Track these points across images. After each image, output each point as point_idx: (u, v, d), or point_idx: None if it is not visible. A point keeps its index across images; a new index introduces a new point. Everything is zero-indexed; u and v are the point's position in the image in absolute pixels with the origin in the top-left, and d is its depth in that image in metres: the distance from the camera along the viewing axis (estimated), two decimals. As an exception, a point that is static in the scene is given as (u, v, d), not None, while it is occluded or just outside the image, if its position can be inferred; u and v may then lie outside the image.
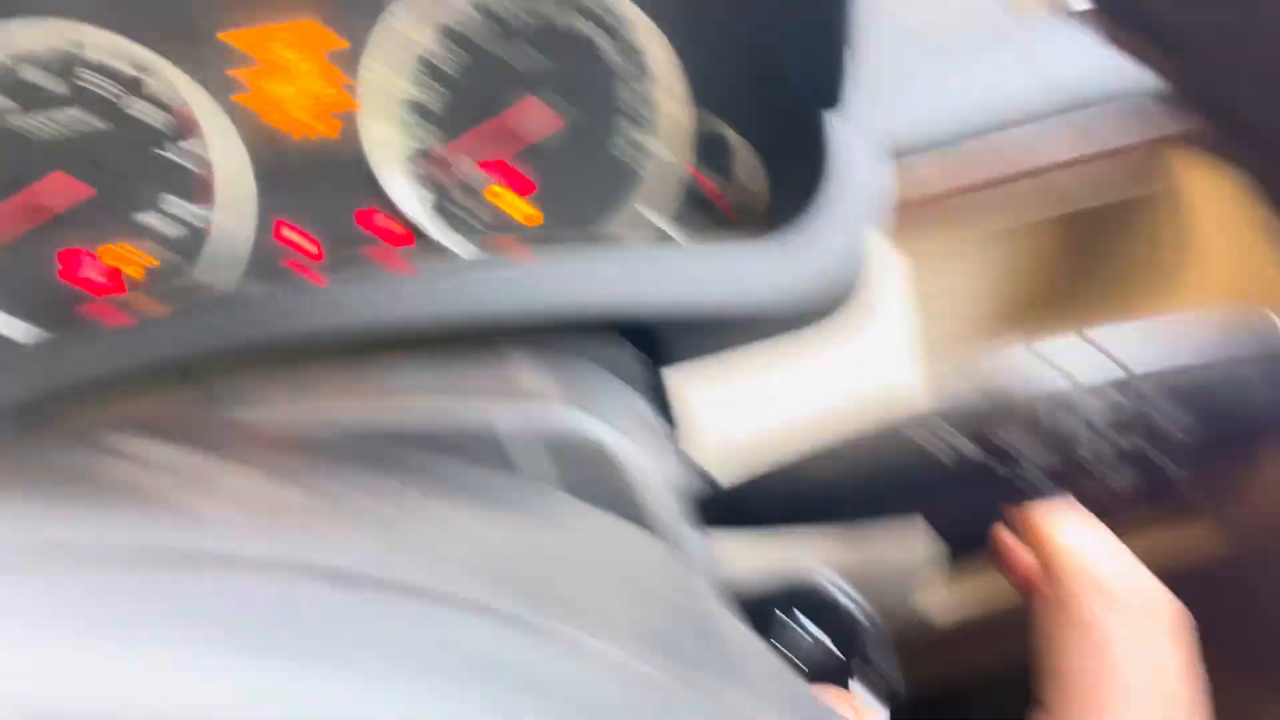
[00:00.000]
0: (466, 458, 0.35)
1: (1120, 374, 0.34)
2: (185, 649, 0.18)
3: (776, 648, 0.48)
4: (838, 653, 0.47)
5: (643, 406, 0.59)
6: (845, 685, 0.48)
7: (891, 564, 0.64)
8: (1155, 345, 0.35)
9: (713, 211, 0.68)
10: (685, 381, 0.62)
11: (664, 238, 0.66)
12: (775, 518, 0.40)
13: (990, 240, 0.70)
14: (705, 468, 0.42)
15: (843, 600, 0.47)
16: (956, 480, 0.36)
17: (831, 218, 0.58)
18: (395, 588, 0.23)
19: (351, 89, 0.64)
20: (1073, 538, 0.43)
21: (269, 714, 0.18)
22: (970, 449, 0.36)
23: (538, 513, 0.31)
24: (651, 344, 0.61)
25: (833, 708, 0.32)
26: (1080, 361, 0.35)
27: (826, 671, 0.47)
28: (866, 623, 0.47)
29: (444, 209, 0.64)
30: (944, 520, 0.38)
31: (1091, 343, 0.36)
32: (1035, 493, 0.35)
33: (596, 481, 0.36)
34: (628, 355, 0.61)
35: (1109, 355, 0.35)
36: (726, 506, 0.40)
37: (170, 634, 0.19)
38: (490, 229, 0.66)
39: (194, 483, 0.27)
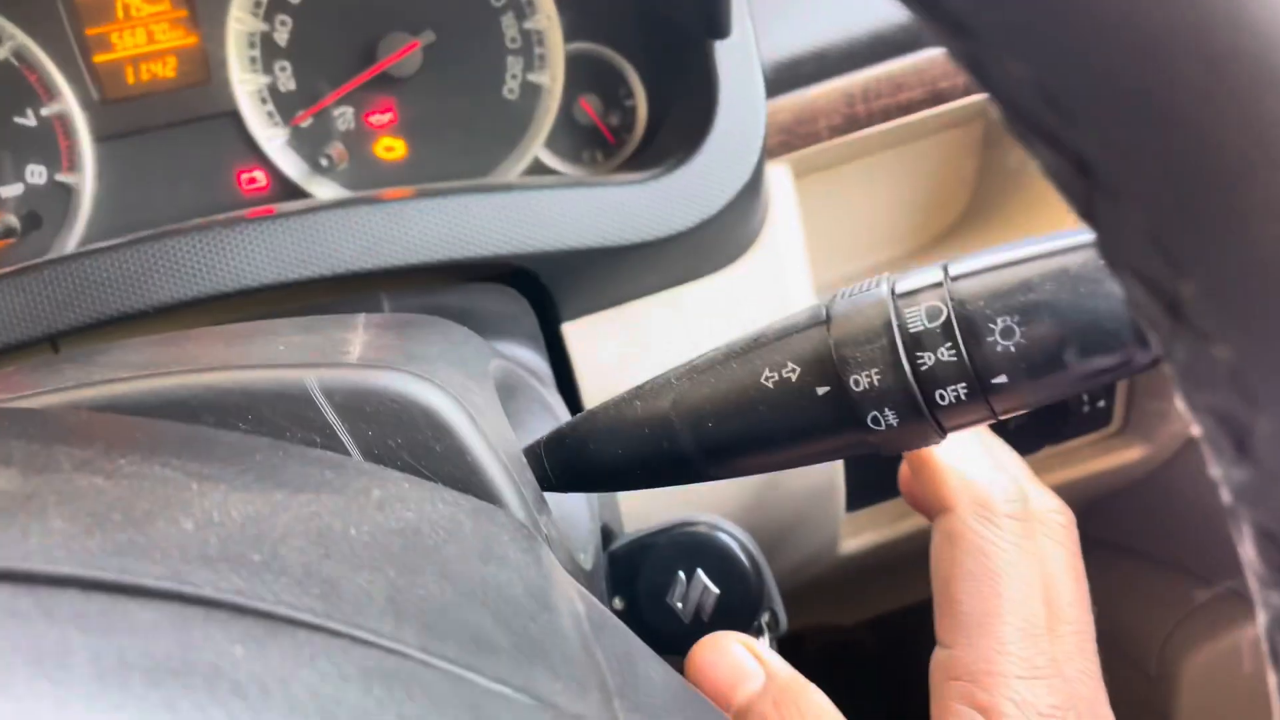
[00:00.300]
0: (275, 428, 0.32)
1: (963, 293, 0.32)
2: None
3: (673, 604, 0.46)
4: (737, 603, 0.45)
5: (527, 361, 0.56)
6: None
7: (789, 508, 0.62)
8: (1003, 267, 0.32)
9: (604, 145, 0.65)
10: (583, 333, 0.59)
11: (554, 177, 0.63)
12: (624, 472, 0.37)
13: (883, 165, 0.67)
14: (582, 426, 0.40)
15: (738, 551, 0.46)
16: (810, 415, 0.34)
17: (719, 147, 0.55)
18: (80, 584, 0.21)
19: (216, 38, 0.60)
20: (953, 460, 0.42)
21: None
22: (818, 381, 0.33)
23: (322, 484, 0.28)
24: (545, 298, 0.58)
25: (683, 685, 0.30)
26: (932, 287, 0.33)
27: (727, 623, 0.46)
28: (763, 571, 0.46)
29: (326, 166, 0.61)
30: (805, 457, 0.36)
31: (945, 270, 0.33)
32: (893, 427, 0.33)
33: (421, 446, 0.33)
34: (517, 309, 0.58)
35: (959, 278, 0.32)
36: (577, 465, 0.38)
37: None
38: (376, 184, 0.63)
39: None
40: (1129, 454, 0.71)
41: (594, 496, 0.48)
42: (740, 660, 0.39)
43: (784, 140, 0.60)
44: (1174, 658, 0.80)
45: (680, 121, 0.60)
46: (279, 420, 0.32)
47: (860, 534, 0.69)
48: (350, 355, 0.34)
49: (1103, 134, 0.15)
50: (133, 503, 0.24)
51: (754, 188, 0.57)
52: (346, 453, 0.32)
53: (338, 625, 0.22)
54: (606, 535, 0.51)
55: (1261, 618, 0.19)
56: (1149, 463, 0.72)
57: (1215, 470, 0.19)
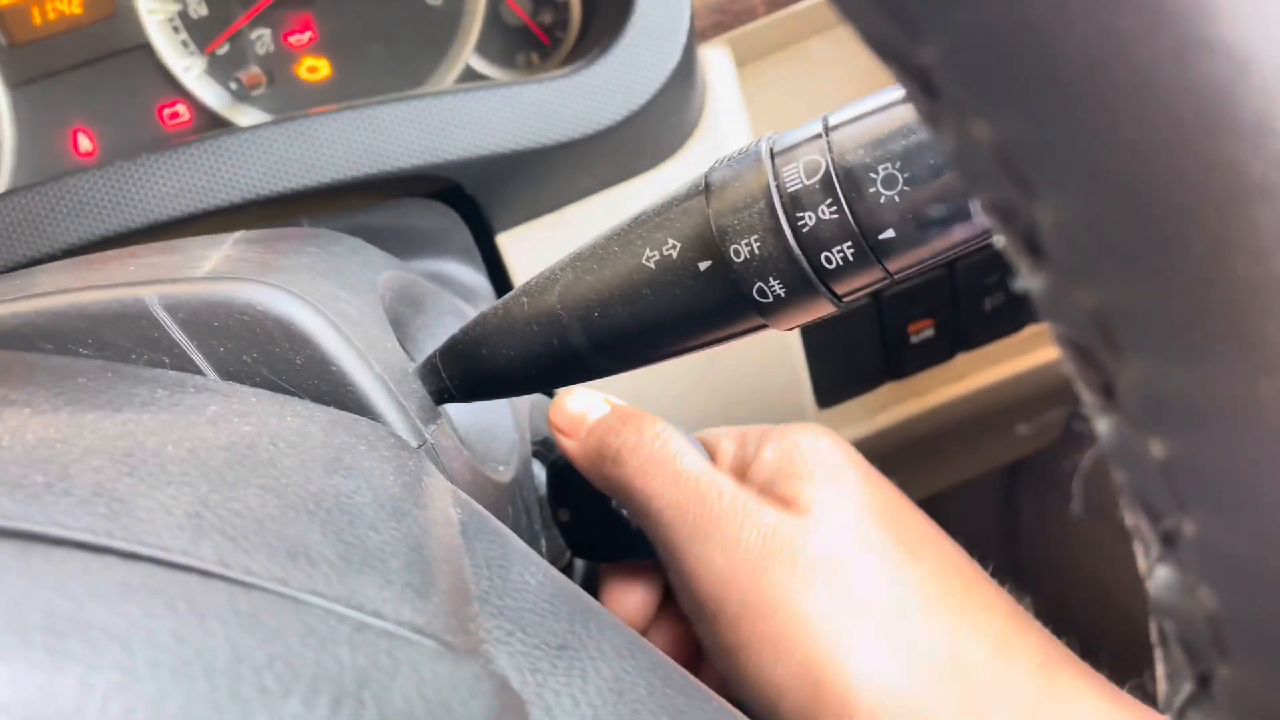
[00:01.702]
0: (119, 351, 0.30)
1: (843, 143, 0.29)
2: None
3: (619, 511, 0.44)
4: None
5: (460, 276, 0.54)
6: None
7: (753, 413, 0.59)
8: (883, 109, 0.29)
9: (538, 46, 0.61)
10: (520, 243, 0.57)
11: (473, 83, 0.60)
12: (520, 375, 0.35)
13: (839, 42, 0.63)
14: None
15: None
16: (695, 293, 0.31)
17: (642, 32, 0.52)
18: None
19: (117, -30, 0.58)
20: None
21: None
22: (700, 256, 0.31)
23: (148, 404, 0.27)
24: (476, 210, 0.56)
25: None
26: (810, 140, 0.30)
27: None
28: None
29: (237, 90, 0.59)
30: (700, 341, 0.33)
31: (824, 120, 0.30)
32: (781, 298, 0.30)
33: (280, 359, 0.31)
34: (447, 223, 0.56)
35: (838, 127, 0.30)
36: (473, 373, 0.36)
37: None
38: (303, 107, 0.61)
39: None
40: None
41: (522, 408, 0.46)
42: (589, 396, 0.42)
43: (717, 21, 0.56)
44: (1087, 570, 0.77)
45: (607, 10, 0.56)
46: (122, 342, 0.30)
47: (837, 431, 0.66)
48: (201, 270, 0.32)
49: None
50: (-89, 433, 0.23)
51: (685, 74, 0.53)
52: (200, 372, 0.31)
53: (117, 543, 0.20)
54: (549, 448, 0.49)
55: (1101, 448, 0.17)
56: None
57: (1022, 282, 0.16)
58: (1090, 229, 0.13)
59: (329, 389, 0.31)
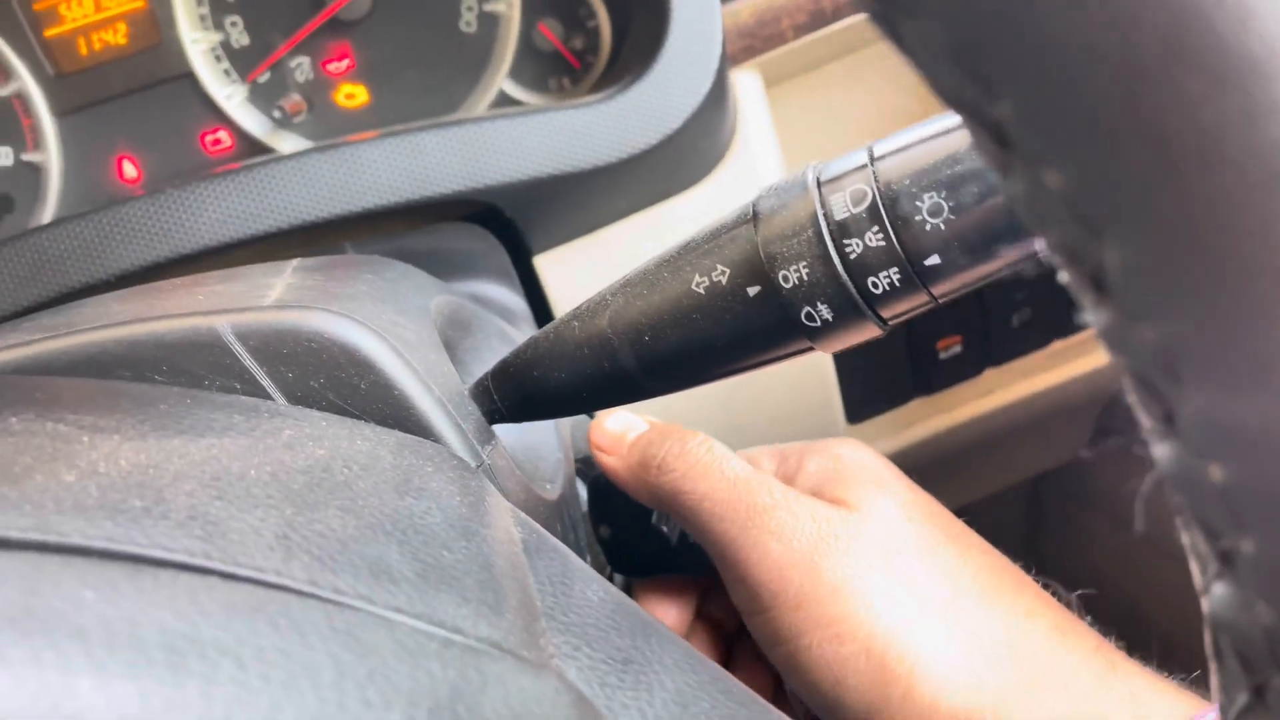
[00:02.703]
0: (192, 378, 0.32)
1: (888, 173, 0.30)
2: None
3: (659, 527, 0.45)
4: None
5: (499, 298, 0.55)
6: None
7: (784, 428, 0.60)
8: (928, 140, 0.30)
9: (569, 71, 0.63)
10: (557, 265, 0.58)
11: (511, 108, 0.61)
12: (570, 396, 0.36)
13: (862, 64, 0.64)
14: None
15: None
16: (744, 317, 0.32)
17: (676, 58, 0.53)
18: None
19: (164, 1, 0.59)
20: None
21: None
22: (749, 281, 0.32)
23: (228, 429, 0.28)
24: (514, 232, 0.57)
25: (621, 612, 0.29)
26: (856, 170, 0.31)
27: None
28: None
29: (280, 118, 0.60)
30: (748, 363, 0.34)
31: (870, 150, 0.32)
32: (829, 322, 0.31)
33: (345, 384, 0.32)
34: (485, 247, 0.57)
35: (883, 158, 0.31)
36: (524, 394, 0.37)
37: None
38: (341, 133, 0.62)
39: None
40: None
41: (565, 428, 0.47)
42: (627, 417, 0.43)
43: (747, 45, 0.58)
44: (1139, 580, 0.78)
45: (639, 36, 0.58)
46: (195, 370, 0.31)
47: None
48: (268, 299, 0.33)
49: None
50: (14, 459, 0.24)
51: (717, 98, 0.55)
52: (269, 397, 0.32)
53: (215, 564, 0.22)
54: (590, 467, 0.50)
55: (1160, 473, 0.18)
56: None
57: (1086, 316, 0.17)
58: (1155, 270, 0.14)
59: (392, 412, 0.32)
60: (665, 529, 0.46)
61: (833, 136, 0.67)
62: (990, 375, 0.66)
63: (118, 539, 0.21)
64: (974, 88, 0.14)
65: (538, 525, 0.32)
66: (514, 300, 0.56)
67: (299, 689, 0.18)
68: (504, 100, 0.63)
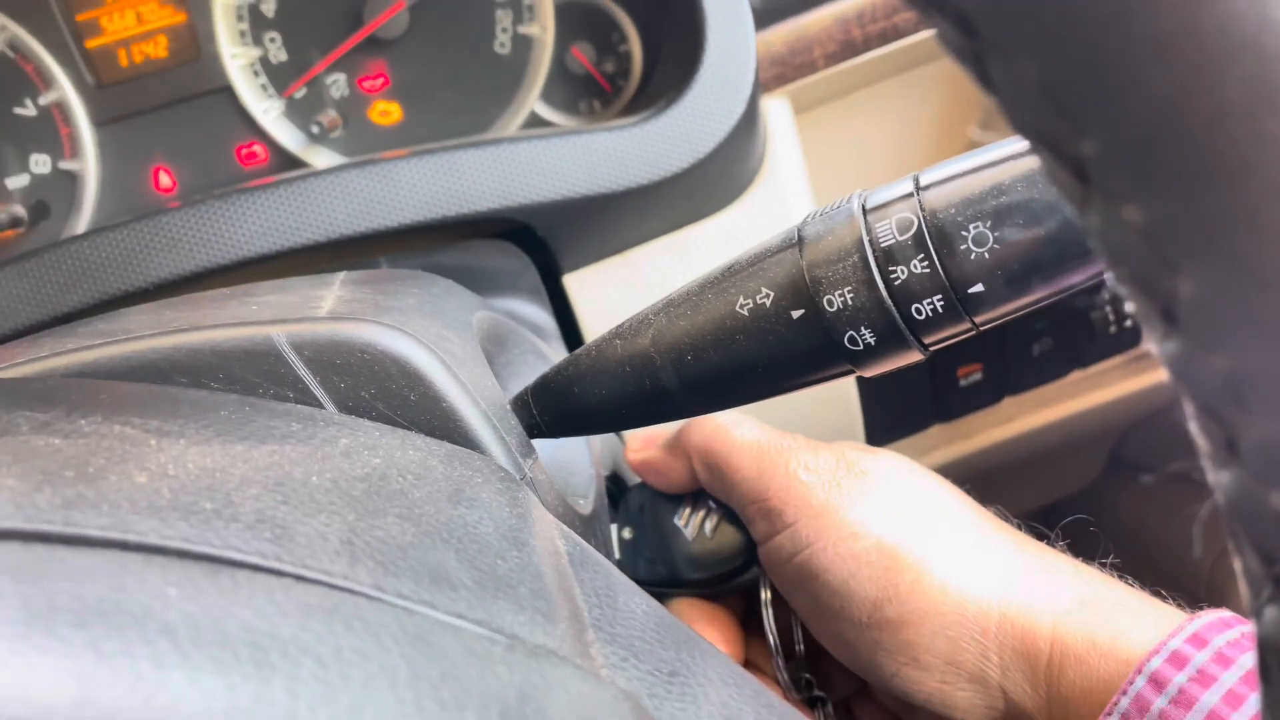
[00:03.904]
0: (247, 385, 0.32)
1: (933, 202, 0.31)
2: None
3: (679, 525, 0.46)
4: (743, 537, 0.45)
5: (528, 315, 0.56)
6: (752, 554, 0.46)
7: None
8: (974, 172, 0.31)
9: (600, 94, 0.64)
10: (586, 283, 0.59)
11: (546, 128, 0.62)
12: (610, 412, 0.37)
13: (888, 93, 0.65)
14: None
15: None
16: (787, 340, 0.33)
17: (710, 84, 0.54)
18: (21, 537, 0.21)
19: (204, 14, 0.60)
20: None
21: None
22: (793, 305, 0.32)
23: (288, 436, 0.28)
24: (545, 250, 0.58)
25: (662, 623, 0.30)
26: (902, 199, 0.32)
27: (732, 537, 0.45)
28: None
29: (318, 134, 0.61)
30: (788, 384, 0.35)
31: (916, 180, 0.32)
32: (871, 346, 0.32)
33: (395, 395, 0.33)
34: (517, 264, 0.58)
35: (929, 187, 0.31)
36: (564, 409, 0.37)
37: None
38: (374, 149, 0.63)
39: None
40: (1161, 374, 0.69)
41: (596, 444, 0.47)
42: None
43: (779, 73, 0.59)
44: (1223, 583, 0.78)
45: (672, 62, 0.59)
46: (251, 377, 0.32)
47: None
48: (321, 310, 0.34)
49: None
50: (87, 460, 0.25)
51: (749, 124, 0.55)
52: (320, 406, 0.32)
53: (286, 566, 0.22)
54: (616, 482, 0.50)
55: (1218, 498, 0.19)
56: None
57: (1153, 346, 0.18)
58: (1231, 303, 0.15)
59: (439, 424, 0.33)
60: (685, 527, 0.46)
61: (858, 162, 0.68)
62: (1009, 403, 0.66)
63: (192, 540, 0.22)
64: (1060, 125, 0.15)
65: (579, 538, 0.33)
66: (543, 317, 0.57)
67: (377, 688, 0.19)
68: (535, 121, 0.64)
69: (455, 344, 0.36)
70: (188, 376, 0.32)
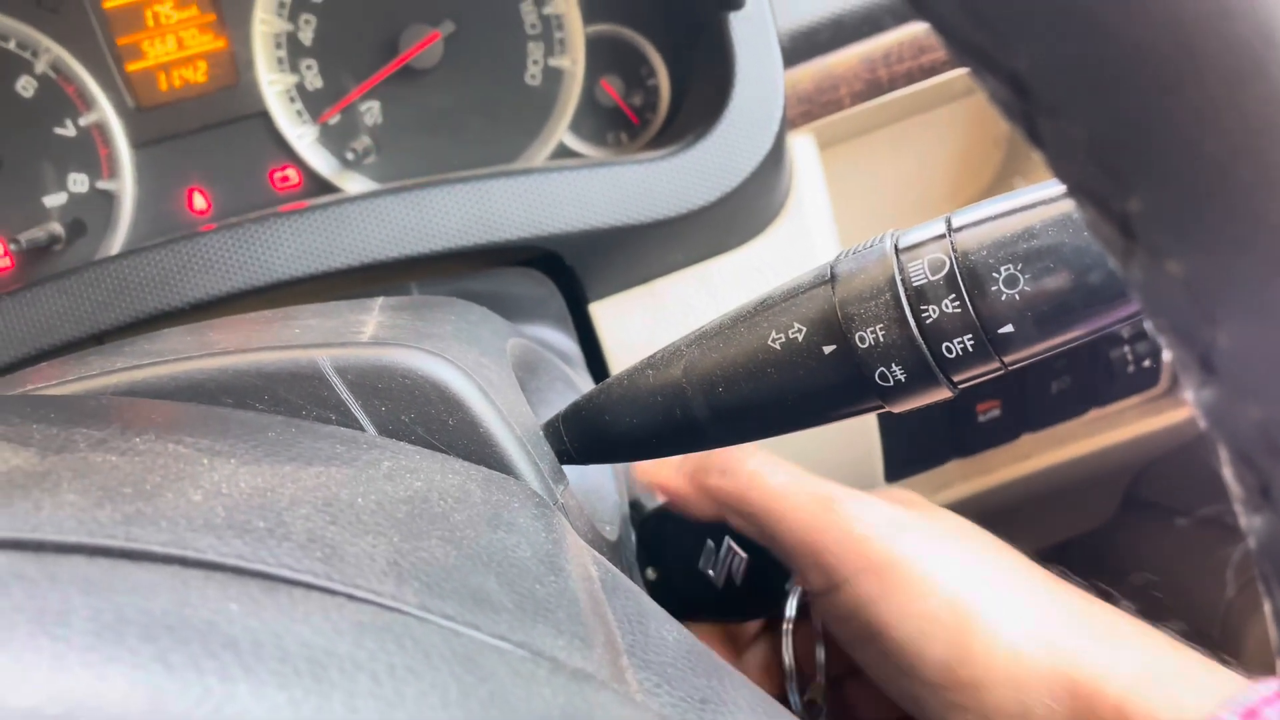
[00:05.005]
0: (291, 407, 0.33)
1: (965, 244, 0.31)
2: None
3: (705, 571, 0.47)
4: (767, 566, 0.45)
5: (555, 342, 0.57)
6: (777, 598, 0.46)
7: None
8: (1005, 215, 0.32)
9: (628, 126, 0.65)
10: (612, 312, 0.60)
11: (576, 159, 0.63)
12: (640, 441, 0.38)
13: (911, 131, 0.66)
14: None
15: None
16: (818, 374, 0.34)
17: (738, 120, 0.55)
18: (91, 551, 0.22)
19: (243, 41, 0.62)
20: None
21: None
22: (825, 340, 0.33)
23: (332, 457, 0.29)
24: (571, 279, 0.59)
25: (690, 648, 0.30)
26: (934, 239, 0.32)
27: (759, 585, 0.46)
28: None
29: (353, 160, 0.62)
30: (818, 418, 0.36)
31: (948, 221, 0.33)
32: (901, 383, 0.33)
33: (434, 420, 0.34)
34: (544, 292, 0.59)
35: (962, 229, 0.32)
36: (594, 437, 0.38)
37: None
38: (405, 176, 0.64)
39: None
40: (1178, 414, 0.70)
41: (619, 472, 0.48)
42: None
43: (806, 110, 0.60)
44: (1237, 623, 0.78)
45: (700, 97, 0.60)
46: (294, 399, 0.33)
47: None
48: (363, 335, 0.35)
49: (1031, 50, 0.15)
50: (144, 477, 0.25)
51: (775, 159, 0.56)
52: (361, 429, 0.33)
53: (337, 585, 0.23)
54: (637, 510, 0.51)
55: (1250, 542, 0.19)
56: (1200, 422, 0.71)
57: (1188, 393, 0.18)
58: (1265, 355, 0.16)
59: (476, 448, 0.34)
60: (711, 573, 0.47)
61: (880, 197, 0.69)
62: (1027, 440, 0.67)
63: (248, 557, 0.23)
64: (1107, 183, 0.16)
65: (610, 565, 0.33)
66: (568, 344, 0.58)
67: (430, 706, 0.20)
68: (563, 151, 0.65)
69: (491, 370, 0.37)
70: (233, 397, 0.33)
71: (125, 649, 0.18)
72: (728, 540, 0.46)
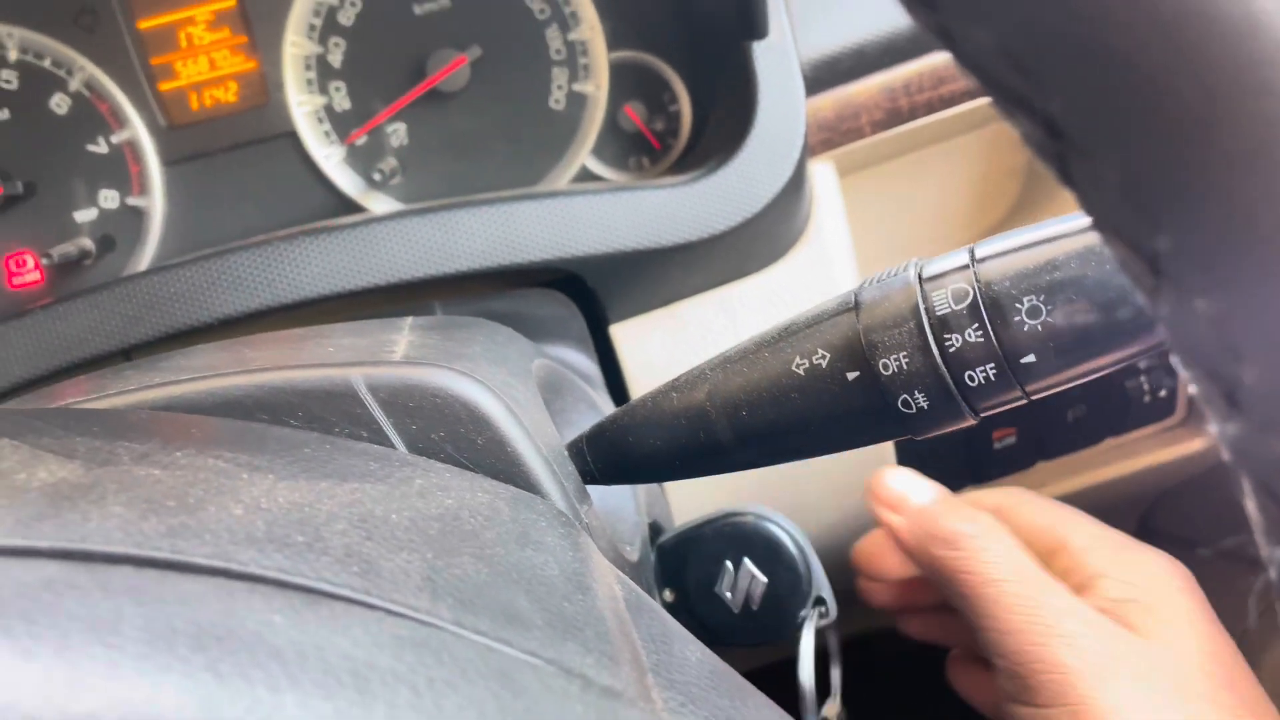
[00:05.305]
0: (324, 424, 0.34)
1: (989, 274, 0.32)
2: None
3: (722, 594, 0.47)
4: (785, 591, 0.46)
5: (573, 362, 0.58)
6: (794, 624, 0.47)
7: (840, 505, 0.62)
8: (1028, 247, 0.32)
9: (649, 151, 0.66)
10: (632, 334, 0.60)
11: (600, 182, 0.64)
12: (663, 462, 0.38)
13: (929, 160, 0.67)
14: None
15: (784, 538, 0.46)
16: (842, 400, 0.34)
17: (760, 147, 0.56)
18: (134, 562, 0.22)
19: (273, 62, 0.63)
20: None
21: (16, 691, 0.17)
22: (848, 366, 0.34)
23: (366, 474, 0.30)
24: (592, 300, 0.59)
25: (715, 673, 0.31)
26: (958, 270, 0.33)
27: (776, 610, 0.46)
28: (809, 558, 0.46)
29: (380, 180, 0.63)
30: (840, 443, 0.36)
31: (971, 252, 0.34)
32: (923, 409, 0.33)
33: (464, 439, 0.34)
34: (565, 313, 0.59)
35: (985, 260, 0.33)
36: (618, 458, 0.39)
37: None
38: (430, 196, 0.65)
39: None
40: (1194, 444, 0.70)
41: (640, 493, 0.49)
42: (909, 477, 0.45)
43: (826, 138, 0.60)
44: (1253, 653, 0.78)
45: (722, 123, 0.60)
46: (328, 416, 0.33)
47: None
48: (395, 354, 0.35)
49: (1066, 93, 0.15)
50: (186, 491, 0.26)
51: (796, 186, 0.57)
52: (392, 446, 0.34)
53: (374, 600, 0.24)
54: (656, 531, 0.51)
55: (1271, 573, 0.20)
56: (1215, 453, 0.71)
57: (1214, 427, 0.19)
58: None
59: (504, 467, 0.34)
60: (729, 595, 0.47)
61: (898, 224, 0.70)
62: (1042, 468, 0.67)
63: (288, 570, 0.23)
64: (1138, 222, 0.16)
65: (634, 585, 0.34)
66: (588, 365, 0.58)
67: (469, 719, 0.20)
68: (585, 175, 0.66)
69: (519, 391, 0.37)
70: (269, 413, 0.33)
71: (177, 658, 0.19)
72: (746, 562, 0.47)
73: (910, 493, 0.43)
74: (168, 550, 0.23)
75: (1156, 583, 0.39)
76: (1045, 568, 0.40)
